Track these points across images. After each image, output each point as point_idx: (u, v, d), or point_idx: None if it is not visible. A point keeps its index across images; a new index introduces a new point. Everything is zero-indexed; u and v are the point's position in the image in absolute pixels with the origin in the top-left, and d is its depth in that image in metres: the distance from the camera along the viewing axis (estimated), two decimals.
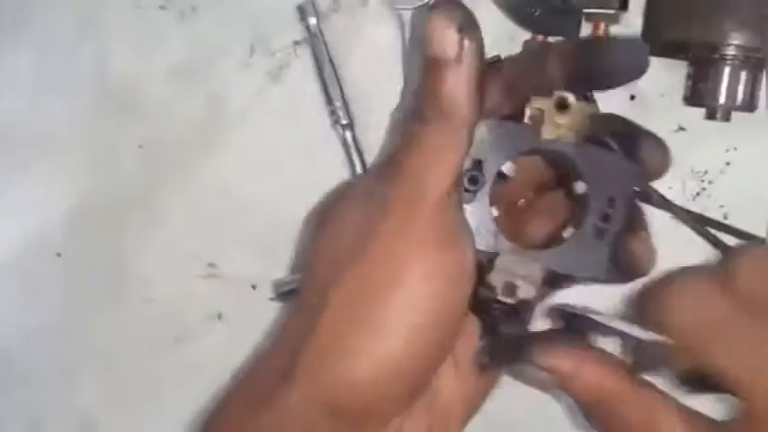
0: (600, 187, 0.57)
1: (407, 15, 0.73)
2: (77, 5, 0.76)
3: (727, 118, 0.70)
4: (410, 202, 0.52)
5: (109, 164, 0.76)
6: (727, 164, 0.73)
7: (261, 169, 0.75)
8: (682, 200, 0.72)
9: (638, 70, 0.60)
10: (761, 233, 0.71)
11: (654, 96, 0.73)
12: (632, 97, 0.73)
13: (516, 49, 0.72)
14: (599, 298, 0.60)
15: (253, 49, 0.75)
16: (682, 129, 0.73)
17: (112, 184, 0.77)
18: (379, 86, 0.74)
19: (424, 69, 0.52)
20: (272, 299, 0.74)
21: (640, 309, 0.55)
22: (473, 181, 0.55)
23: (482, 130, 0.55)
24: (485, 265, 0.57)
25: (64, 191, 0.77)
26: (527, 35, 0.72)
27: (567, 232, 0.58)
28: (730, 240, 0.71)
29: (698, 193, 0.73)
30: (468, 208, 0.56)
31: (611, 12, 0.70)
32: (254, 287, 0.76)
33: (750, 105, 0.70)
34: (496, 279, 0.56)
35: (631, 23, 0.72)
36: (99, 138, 0.76)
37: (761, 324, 0.52)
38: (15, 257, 0.77)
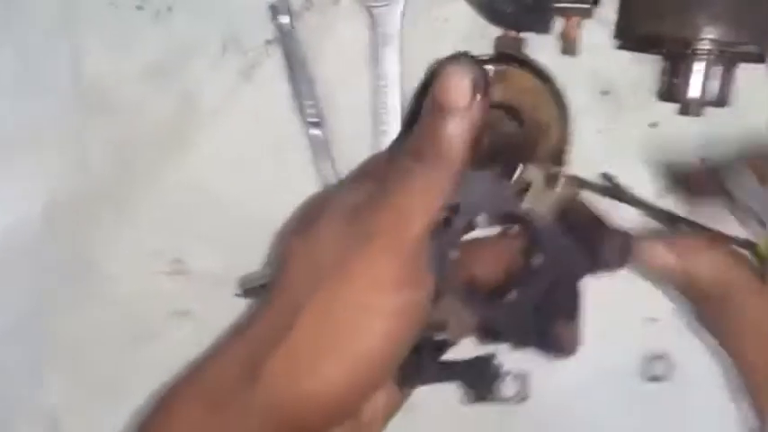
0: (554, 267, 0.59)
1: (378, 11, 0.72)
2: (53, 5, 0.75)
3: (699, 113, 0.68)
4: (391, 233, 0.53)
5: (81, 162, 0.75)
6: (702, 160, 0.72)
7: (231, 167, 0.74)
8: (653, 196, 0.70)
9: None
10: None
11: (626, 92, 0.72)
12: (605, 92, 0.72)
13: (488, 45, 0.71)
14: None
15: (225, 47, 0.74)
16: (654, 124, 0.72)
17: (84, 181, 0.75)
18: (350, 85, 0.73)
19: (430, 112, 0.54)
20: (238, 295, 0.72)
21: None
22: (447, 223, 0.56)
23: (468, 178, 0.56)
24: None
25: (35, 189, 0.75)
26: (499, 32, 0.71)
27: (511, 295, 0.59)
28: None
29: None
30: (432, 244, 0.56)
31: (584, 6, 0.69)
32: (220, 284, 0.74)
33: (723, 100, 0.68)
34: (433, 312, 0.57)
35: (604, 18, 0.70)
36: (71, 136, 0.75)
37: None
38: None
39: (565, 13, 0.70)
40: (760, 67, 0.69)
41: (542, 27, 0.70)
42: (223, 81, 0.74)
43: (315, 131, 0.73)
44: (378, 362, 0.54)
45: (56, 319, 0.76)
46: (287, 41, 0.73)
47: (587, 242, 0.58)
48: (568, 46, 0.71)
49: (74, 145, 0.75)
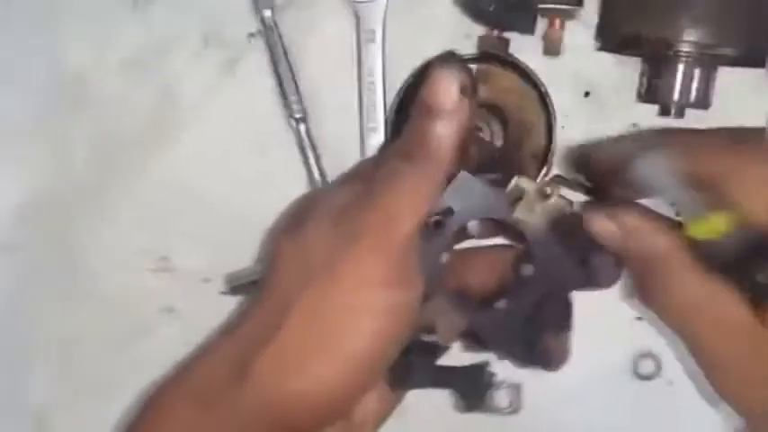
0: (544, 279, 0.58)
1: (362, 7, 0.71)
2: None
3: (680, 115, 0.69)
4: (379, 233, 0.53)
5: (61, 157, 0.74)
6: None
7: (213, 162, 0.73)
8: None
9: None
10: None
11: (608, 93, 0.72)
12: (587, 94, 0.72)
13: (472, 45, 0.71)
14: None
15: (207, 41, 0.73)
16: (636, 125, 0.72)
17: (65, 177, 0.74)
18: (333, 80, 0.72)
19: (419, 113, 0.54)
20: (223, 293, 0.72)
21: None
22: (438, 225, 0.56)
23: (463, 182, 0.56)
24: None
25: (16, 184, 0.74)
26: (483, 31, 0.70)
27: (500, 304, 0.59)
28: None
29: None
30: (423, 246, 0.56)
31: (567, 7, 0.69)
32: (205, 281, 0.74)
33: (704, 102, 0.68)
34: (422, 315, 0.57)
35: (587, 20, 0.70)
36: (51, 130, 0.74)
37: None
38: None
39: (548, 13, 0.70)
40: (740, 68, 0.69)
41: (526, 27, 0.70)
42: (204, 75, 0.73)
43: (299, 127, 0.72)
44: (366, 362, 0.54)
45: (41, 317, 0.75)
46: (270, 35, 0.72)
47: (580, 256, 0.57)
48: (551, 47, 0.70)
49: (55, 140, 0.74)
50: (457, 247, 0.62)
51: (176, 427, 0.55)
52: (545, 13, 0.70)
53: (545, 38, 0.70)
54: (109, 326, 0.75)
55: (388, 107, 0.71)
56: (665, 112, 0.69)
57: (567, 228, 0.58)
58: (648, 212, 0.57)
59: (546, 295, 0.58)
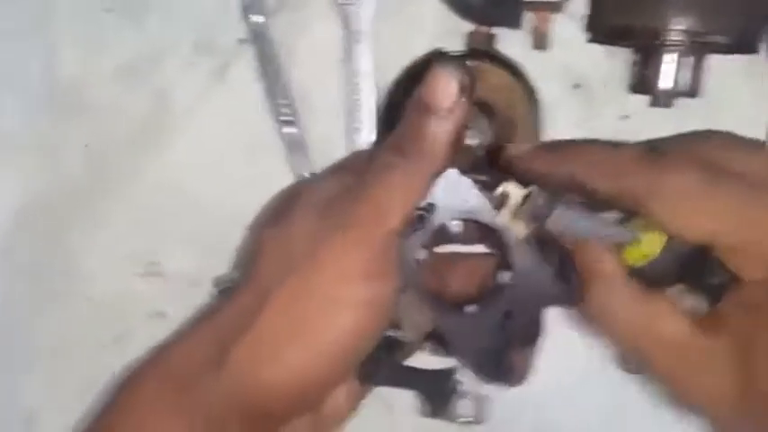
0: (519, 289, 0.57)
1: (349, 9, 0.70)
2: (26, 5, 0.73)
3: (669, 104, 0.67)
4: (367, 226, 0.53)
5: (55, 163, 0.73)
6: None
7: (205, 167, 0.73)
8: None
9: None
10: None
11: (598, 84, 0.71)
12: (576, 86, 0.71)
13: (459, 42, 0.70)
14: None
15: (197, 48, 0.72)
16: (626, 116, 0.71)
17: (58, 182, 0.74)
18: (323, 83, 0.71)
19: (415, 109, 0.54)
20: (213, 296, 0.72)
21: None
22: (420, 220, 0.55)
23: (451, 180, 0.55)
24: None
25: (10, 189, 0.74)
26: (471, 28, 0.69)
27: (471, 308, 0.58)
28: None
29: None
30: (401, 239, 0.55)
31: (554, 0, 0.68)
32: (196, 285, 0.72)
33: (694, 91, 0.67)
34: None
35: (574, 12, 0.69)
36: (46, 137, 0.73)
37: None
38: None
39: (535, 7, 0.69)
40: (730, 56, 0.67)
41: (513, 22, 0.69)
42: (196, 81, 0.73)
43: (289, 130, 0.71)
44: (342, 354, 0.53)
45: (32, 321, 0.75)
46: (259, 41, 0.71)
47: (558, 271, 0.56)
48: (539, 40, 0.69)
49: (47, 147, 0.74)
50: (440, 250, 0.61)
51: (148, 408, 0.54)
52: (532, 7, 0.68)
53: (533, 32, 0.69)
54: (100, 329, 0.74)
55: (377, 107, 0.70)
56: (655, 102, 0.68)
57: (548, 240, 0.56)
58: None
59: (518, 306, 0.57)
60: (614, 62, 0.70)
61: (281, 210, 0.57)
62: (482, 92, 0.68)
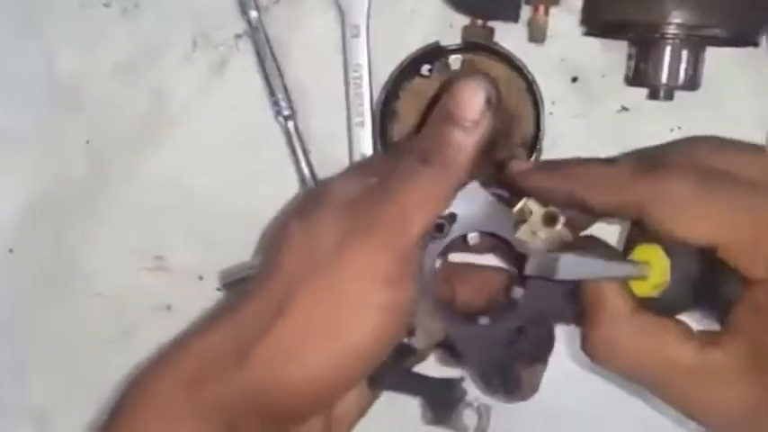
0: (532, 305, 0.56)
1: (346, 3, 0.69)
2: (22, 4, 0.73)
3: (669, 97, 0.66)
4: (391, 230, 0.52)
5: (57, 160, 0.73)
6: None
7: (205, 162, 0.73)
8: None
9: None
10: None
11: (596, 77, 0.70)
12: (574, 79, 0.70)
13: (457, 35, 0.69)
14: None
15: (195, 43, 0.72)
16: (625, 109, 0.70)
17: (61, 179, 0.74)
18: (320, 77, 0.71)
19: (440, 119, 0.53)
20: (218, 289, 0.72)
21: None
22: (439, 229, 0.55)
23: (473, 192, 0.55)
24: None
25: (13, 188, 0.74)
26: (467, 21, 0.69)
27: (483, 320, 0.57)
28: None
29: None
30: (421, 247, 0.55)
31: None
32: (200, 278, 0.73)
33: (692, 84, 0.66)
34: None
35: (571, 5, 0.68)
36: (47, 135, 0.73)
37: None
38: None
39: (531, 1, 0.68)
40: (729, 48, 0.67)
41: (510, 15, 0.68)
42: (194, 77, 0.72)
43: (288, 124, 0.71)
44: (363, 357, 0.53)
45: (38, 317, 0.75)
46: (256, 36, 0.71)
47: (572, 291, 0.55)
48: (536, 34, 0.68)
49: (49, 144, 0.74)
50: (452, 259, 0.60)
51: (164, 407, 0.53)
52: (528, 0, 0.68)
53: (530, 25, 0.68)
54: (106, 325, 0.74)
55: (374, 101, 0.70)
56: (654, 95, 0.67)
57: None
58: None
59: (531, 322, 0.56)
60: (612, 54, 0.69)
61: (307, 206, 0.56)
62: None
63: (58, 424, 0.76)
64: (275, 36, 0.71)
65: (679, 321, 0.52)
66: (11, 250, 0.75)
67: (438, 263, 0.56)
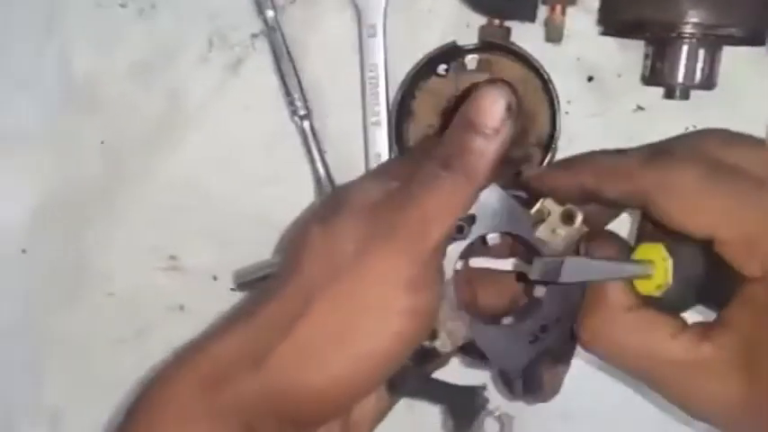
0: (556, 303, 0.56)
1: (362, 3, 0.69)
2: (39, 4, 0.73)
3: (685, 96, 0.66)
4: (413, 235, 0.52)
5: (72, 160, 0.73)
6: None
7: (221, 162, 0.72)
8: None
9: None
10: None
11: (611, 77, 0.70)
12: (590, 78, 0.70)
13: (473, 35, 0.69)
14: None
15: (211, 43, 0.72)
16: (641, 108, 0.70)
17: (76, 179, 0.73)
18: (336, 77, 0.71)
19: (462, 126, 0.53)
20: (233, 289, 0.71)
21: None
22: (459, 231, 0.55)
23: (492, 194, 0.55)
24: None
25: (28, 187, 0.74)
26: (483, 21, 0.68)
27: (507, 320, 0.57)
28: None
29: None
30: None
31: None
32: (214, 278, 0.73)
33: (709, 83, 0.66)
34: None
35: (588, 5, 0.68)
36: (62, 135, 0.73)
37: None
38: None
39: (548, 1, 0.68)
40: (745, 48, 0.67)
41: (527, 15, 0.68)
42: (210, 76, 0.72)
43: (304, 124, 0.70)
44: (382, 362, 0.52)
45: (52, 318, 0.74)
46: (272, 35, 0.70)
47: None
48: (553, 33, 0.68)
49: (65, 144, 0.73)
50: (473, 265, 0.60)
51: (182, 410, 0.53)
52: (545, 0, 0.68)
53: (546, 25, 0.68)
54: (120, 325, 0.74)
55: (390, 101, 0.69)
56: (670, 94, 0.67)
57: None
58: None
59: (553, 321, 0.56)
60: (629, 54, 0.69)
61: (328, 210, 0.55)
62: None
63: (71, 424, 0.75)
64: (291, 36, 0.71)
65: (673, 316, 0.51)
66: (24, 251, 0.74)
67: (459, 265, 0.56)
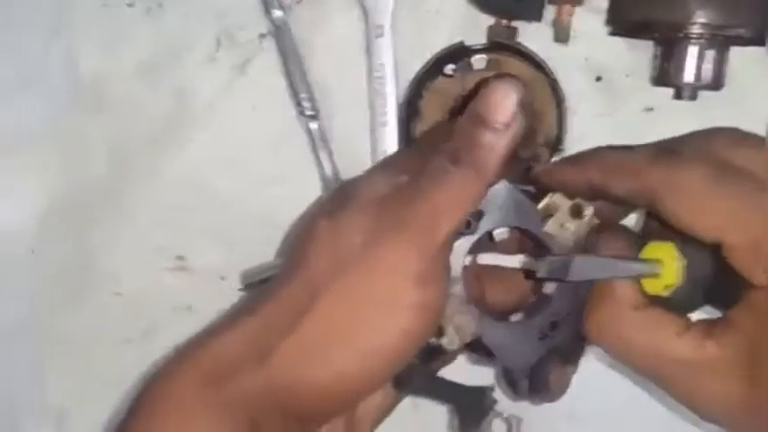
0: (566, 300, 0.56)
1: (370, 3, 0.69)
2: (46, 4, 0.73)
3: (693, 97, 0.66)
4: (422, 229, 0.51)
5: (79, 160, 0.73)
6: None
7: (228, 162, 0.72)
8: None
9: None
10: None
11: (620, 77, 0.70)
12: (598, 78, 0.70)
13: (481, 35, 0.69)
14: None
15: (219, 42, 0.72)
16: (649, 109, 0.69)
17: (83, 180, 0.73)
18: (343, 76, 0.71)
19: (472, 121, 0.53)
20: (240, 290, 0.70)
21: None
22: (467, 226, 0.54)
23: (500, 189, 0.54)
24: None
25: (35, 188, 0.73)
26: (491, 21, 0.68)
27: (516, 317, 0.57)
28: None
29: None
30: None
31: None
32: (222, 279, 0.73)
33: (717, 84, 0.66)
34: None
35: (595, 5, 0.68)
36: (69, 135, 0.73)
37: None
38: None
39: (555, 1, 0.68)
40: (752, 48, 0.66)
41: (534, 15, 0.68)
42: (217, 76, 0.72)
43: (311, 124, 0.70)
44: (389, 357, 0.52)
45: (59, 317, 0.74)
46: (280, 35, 0.70)
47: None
48: (560, 33, 0.68)
49: (71, 144, 0.73)
50: (481, 261, 0.59)
51: (186, 405, 0.52)
52: (552, 0, 0.68)
53: (554, 24, 0.68)
54: (127, 325, 0.74)
55: (398, 101, 0.69)
56: (678, 94, 0.67)
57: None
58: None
59: (563, 318, 0.56)
60: (637, 54, 0.69)
61: (335, 203, 0.54)
62: None
63: (77, 424, 0.75)
64: (299, 36, 0.71)
65: (680, 315, 0.51)
66: (32, 251, 0.74)
67: (468, 260, 0.55)
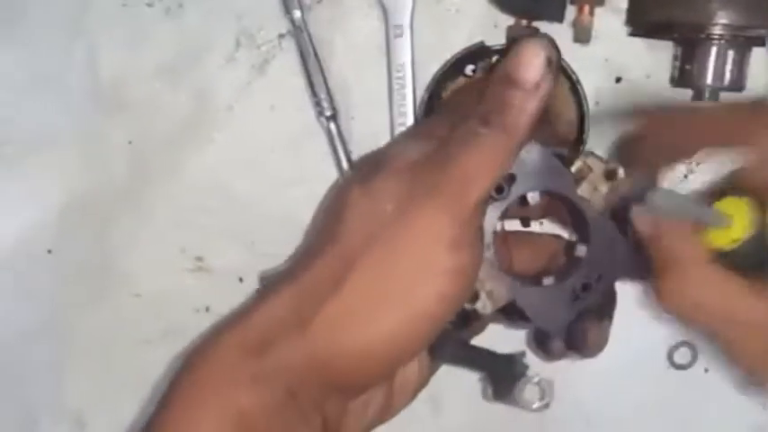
0: (597, 261, 0.56)
1: (389, 3, 0.69)
2: (66, 4, 0.72)
3: (715, 98, 0.66)
4: (455, 194, 0.51)
5: (98, 161, 0.73)
6: None
7: (247, 162, 0.72)
8: (670, 182, 0.66)
9: None
10: None
11: (640, 78, 0.69)
12: (618, 79, 0.70)
13: (501, 35, 0.69)
14: None
15: (238, 43, 0.71)
16: None
17: (102, 180, 0.73)
18: (363, 77, 0.71)
19: (501, 82, 0.53)
20: (259, 291, 0.71)
21: None
22: (499, 190, 0.54)
23: (532, 152, 0.55)
24: None
25: (54, 188, 0.73)
26: (511, 21, 0.68)
27: (548, 280, 0.57)
28: None
29: (686, 176, 0.70)
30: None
31: None
32: (241, 280, 0.73)
33: (738, 85, 0.65)
34: None
35: (616, 5, 0.67)
36: (88, 135, 0.72)
37: None
38: (7, 255, 0.73)
39: (577, 0, 0.67)
40: None
41: (554, 15, 0.67)
42: (237, 76, 0.72)
43: (330, 125, 0.70)
44: (426, 322, 0.52)
45: (78, 318, 0.74)
46: (299, 35, 0.70)
47: (635, 244, 0.55)
48: (581, 34, 0.68)
49: (91, 145, 0.73)
50: (508, 228, 0.60)
51: (217, 372, 0.52)
52: (574, 0, 0.67)
53: (574, 25, 0.68)
54: (145, 326, 0.74)
55: (417, 102, 0.69)
56: (698, 96, 0.66)
57: (620, 218, 0.55)
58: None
59: (595, 280, 0.56)
60: (657, 55, 0.69)
61: (367, 171, 0.55)
62: None
63: (95, 425, 0.75)
64: (318, 36, 0.70)
65: (745, 276, 0.51)
66: (50, 251, 0.74)
67: (498, 225, 0.56)
